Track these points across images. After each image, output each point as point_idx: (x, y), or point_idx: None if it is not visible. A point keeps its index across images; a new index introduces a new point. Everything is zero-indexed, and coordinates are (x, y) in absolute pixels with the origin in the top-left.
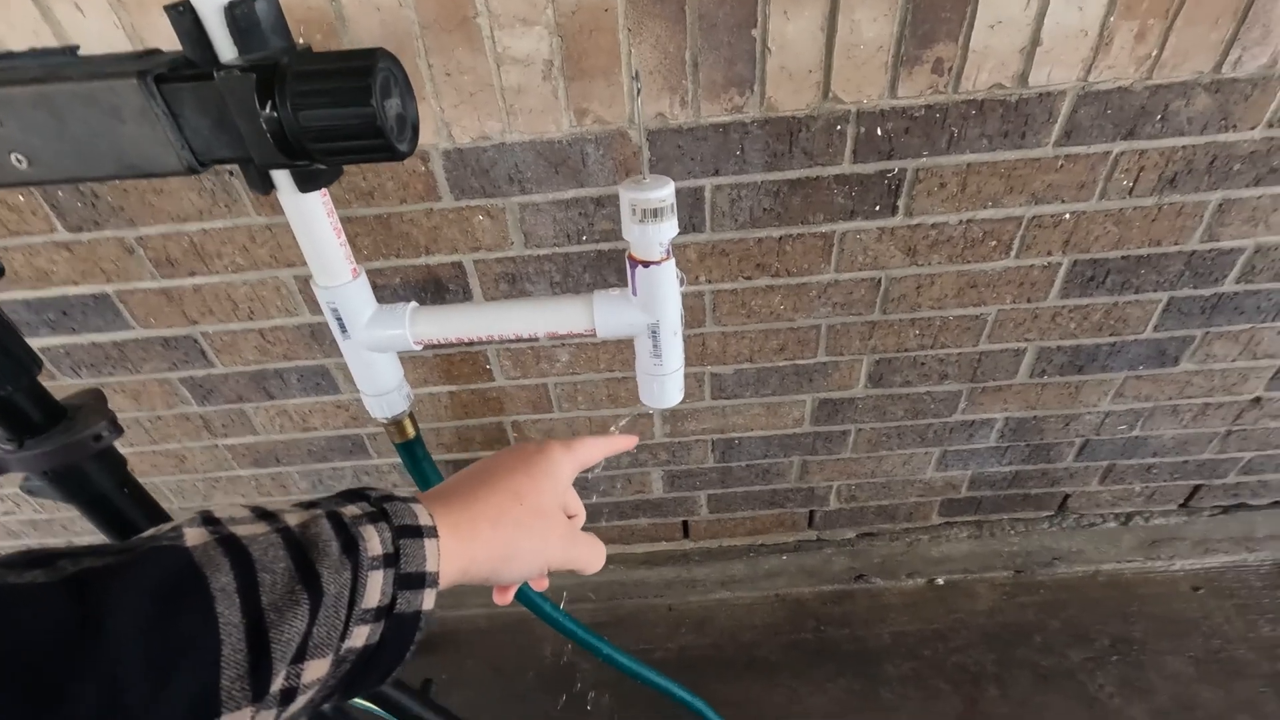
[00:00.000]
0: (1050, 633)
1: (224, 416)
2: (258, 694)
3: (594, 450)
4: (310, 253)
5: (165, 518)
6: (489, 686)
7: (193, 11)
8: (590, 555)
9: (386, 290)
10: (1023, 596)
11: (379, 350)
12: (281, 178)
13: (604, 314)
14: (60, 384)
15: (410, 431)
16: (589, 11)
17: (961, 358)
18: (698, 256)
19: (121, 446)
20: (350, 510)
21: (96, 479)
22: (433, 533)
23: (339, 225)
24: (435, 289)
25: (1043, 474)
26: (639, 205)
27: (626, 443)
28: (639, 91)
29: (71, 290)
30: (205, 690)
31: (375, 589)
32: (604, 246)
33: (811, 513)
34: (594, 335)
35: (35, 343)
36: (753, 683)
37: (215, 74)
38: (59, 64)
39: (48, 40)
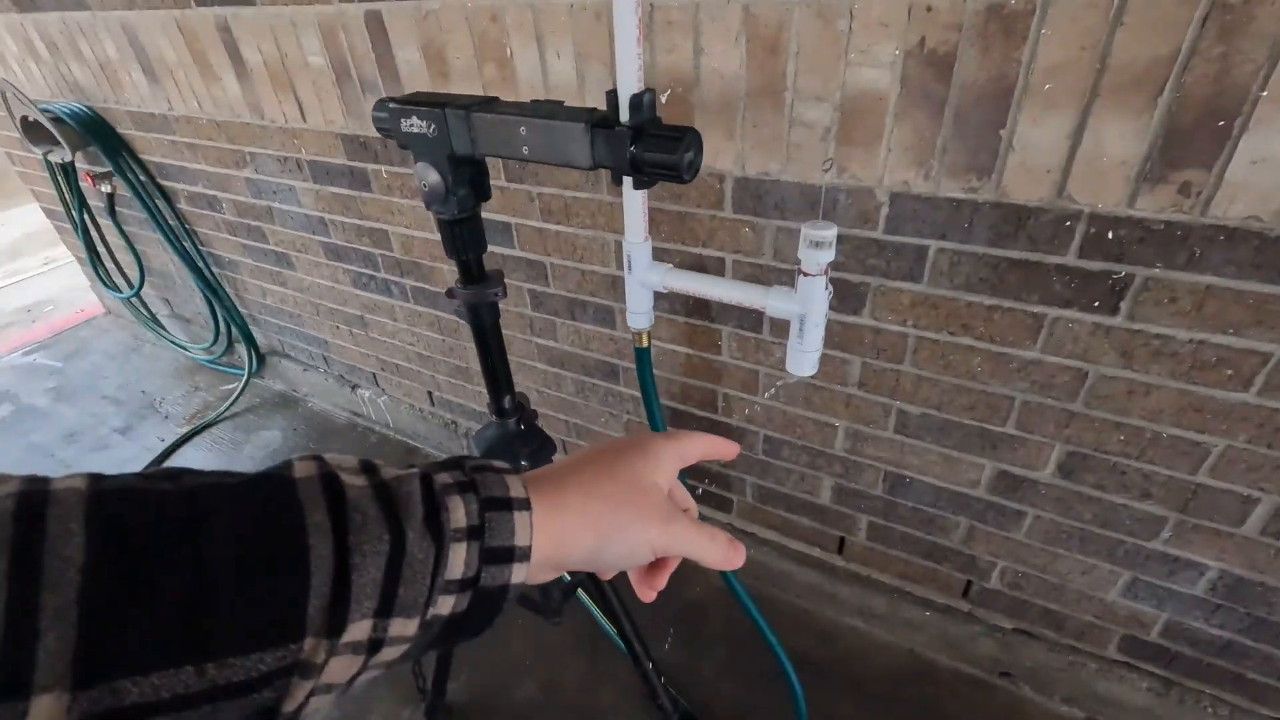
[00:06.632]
0: None
1: (542, 322)
2: (333, 629)
3: (695, 445)
4: (628, 221)
5: (504, 353)
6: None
7: (614, 95)
8: (708, 544)
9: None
10: None
11: (644, 285)
12: (627, 180)
13: (773, 299)
14: None
15: (645, 343)
16: (868, 99)
17: (1172, 482)
18: (910, 303)
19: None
20: (442, 478)
21: (486, 316)
22: (524, 504)
23: (647, 211)
24: (701, 272)
25: (1268, 660)
26: (809, 237)
27: (728, 449)
28: (827, 171)
29: (494, 216)
30: (289, 611)
31: (459, 561)
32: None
33: (969, 583)
34: (764, 311)
35: None
36: (851, 707)
37: (615, 128)
38: (553, 109)
39: (539, 85)
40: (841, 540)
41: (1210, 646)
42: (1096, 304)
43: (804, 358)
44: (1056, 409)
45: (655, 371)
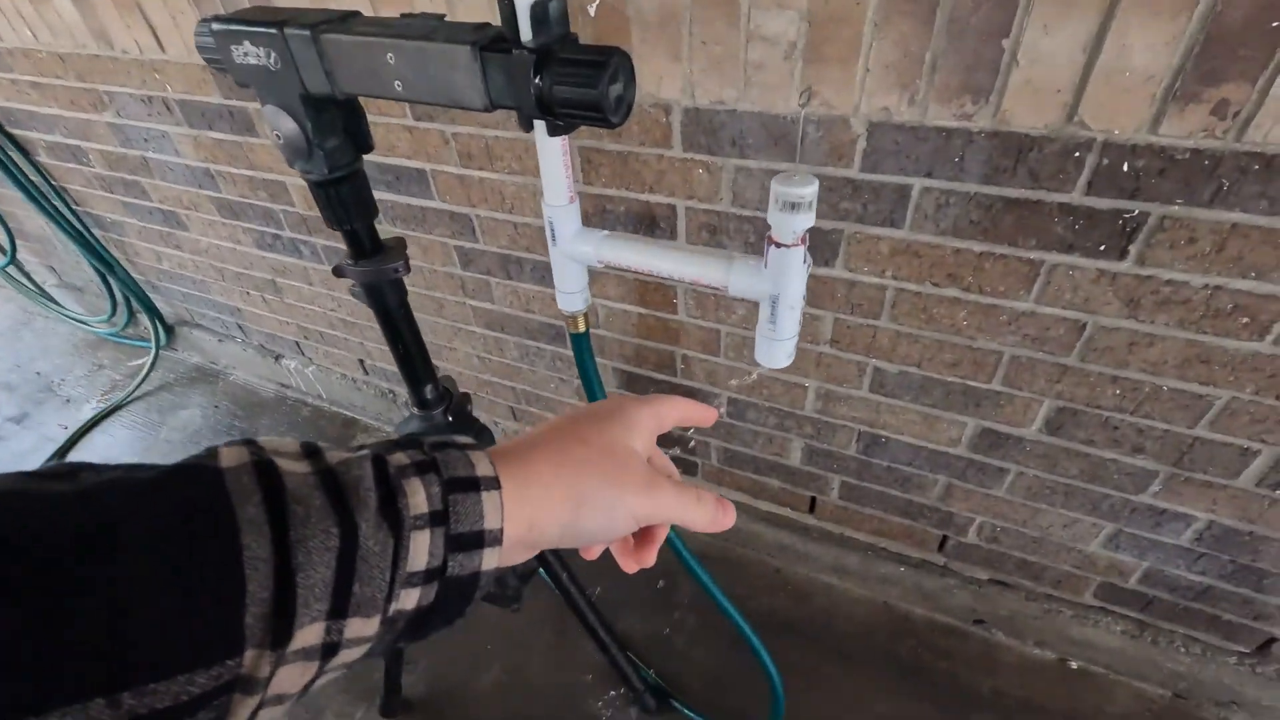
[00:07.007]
0: None
1: (476, 282)
2: (278, 638)
3: (672, 409)
4: (545, 179)
5: (419, 337)
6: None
7: (511, 4)
8: (694, 506)
9: (612, 215)
10: None
11: (574, 260)
12: (539, 125)
13: (738, 276)
14: (379, 228)
15: (581, 327)
16: (842, 3)
17: (1168, 436)
18: (889, 251)
19: (405, 282)
20: (398, 459)
21: (389, 296)
22: (492, 484)
23: (570, 164)
24: (650, 223)
25: (1246, 603)
26: (782, 197)
27: (706, 415)
28: (805, 105)
29: (405, 162)
30: (222, 624)
31: (422, 551)
32: None
33: (944, 538)
34: (726, 291)
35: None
36: (829, 667)
37: (513, 51)
38: (431, 27)
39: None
40: (813, 500)
41: (1189, 591)
42: (1102, 248)
43: (776, 347)
44: (1048, 364)
45: (605, 333)
